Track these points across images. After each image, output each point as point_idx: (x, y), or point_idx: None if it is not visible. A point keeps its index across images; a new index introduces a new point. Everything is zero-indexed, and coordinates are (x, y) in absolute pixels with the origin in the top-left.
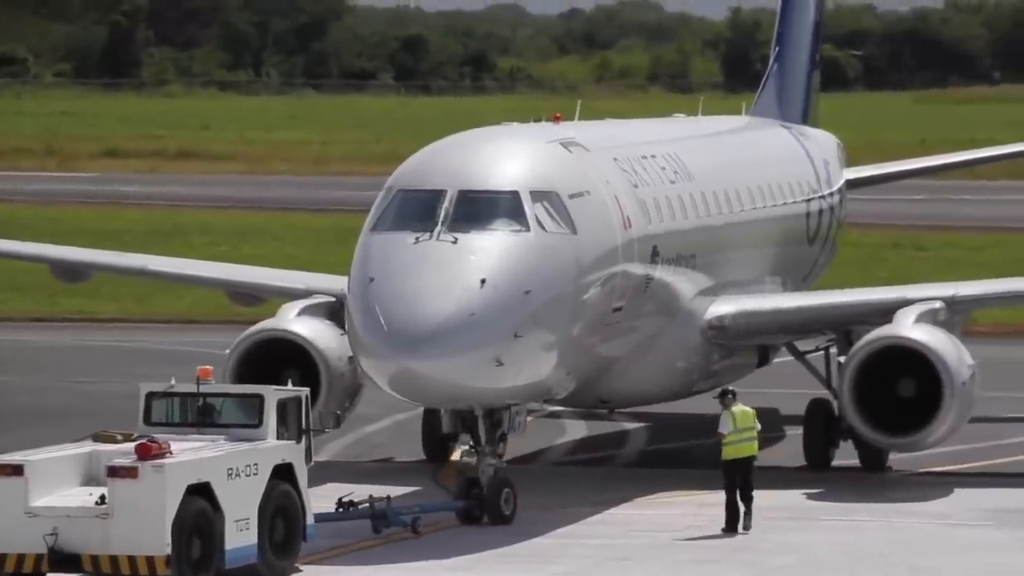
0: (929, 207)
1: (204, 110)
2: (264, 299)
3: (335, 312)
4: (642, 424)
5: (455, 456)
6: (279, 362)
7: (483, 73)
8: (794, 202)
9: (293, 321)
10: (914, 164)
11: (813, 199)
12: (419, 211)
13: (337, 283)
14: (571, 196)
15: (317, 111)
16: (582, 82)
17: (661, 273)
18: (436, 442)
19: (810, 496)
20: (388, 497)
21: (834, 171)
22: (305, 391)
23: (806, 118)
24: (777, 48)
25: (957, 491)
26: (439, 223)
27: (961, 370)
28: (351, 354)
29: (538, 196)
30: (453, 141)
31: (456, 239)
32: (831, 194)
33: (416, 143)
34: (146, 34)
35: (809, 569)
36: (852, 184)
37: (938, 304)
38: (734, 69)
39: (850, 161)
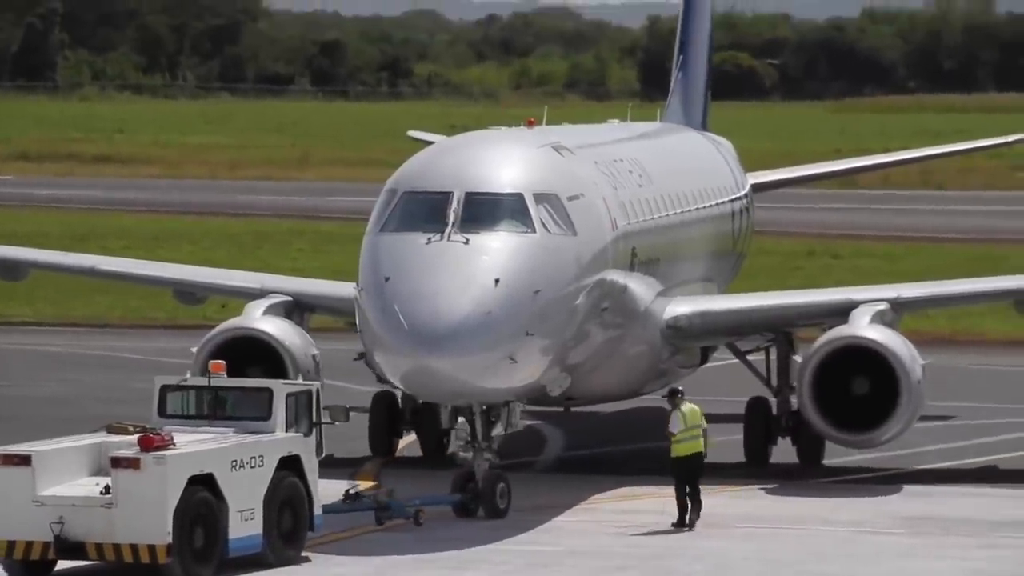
0: (843, 216)
1: (119, 114)
2: (204, 299)
3: (290, 311)
4: (551, 424)
5: (400, 447)
6: (244, 359)
7: (400, 79)
8: (723, 203)
9: (260, 320)
10: (813, 169)
11: (736, 201)
12: (427, 212)
13: (291, 283)
14: (569, 198)
15: (233, 115)
16: (500, 89)
17: (637, 273)
18: (383, 437)
19: (729, 502)
20: (391, 490)
21: (741, 175)
22: (316, 385)
23: (705, 124)
24: (681, 56)
25: (872, 498)
26: (450, 224)
27: (915, 368)
28: (315, 352)
29: (540, 198)
30: (454, 144)
31: (467, 240)
32: (745, 196)
33: (333, 148)
34: (61, 36)
35: None
36: (756, 188)
37: (883, 305)
38: (651, 77)
39: (766, 169)
